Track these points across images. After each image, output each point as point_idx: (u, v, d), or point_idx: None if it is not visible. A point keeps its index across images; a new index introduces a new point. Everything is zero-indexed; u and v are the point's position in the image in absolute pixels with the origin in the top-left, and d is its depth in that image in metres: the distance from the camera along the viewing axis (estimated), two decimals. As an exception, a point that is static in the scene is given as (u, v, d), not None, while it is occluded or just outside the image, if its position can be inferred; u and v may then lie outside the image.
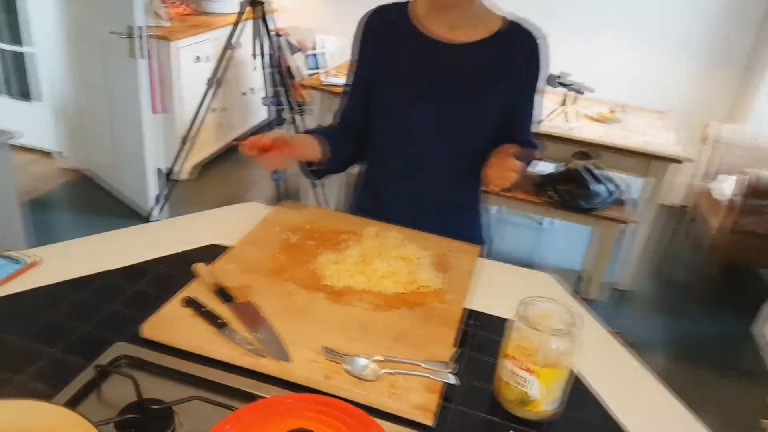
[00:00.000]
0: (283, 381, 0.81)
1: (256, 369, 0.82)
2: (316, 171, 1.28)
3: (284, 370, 0.82)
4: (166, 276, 1.00)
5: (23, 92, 3.52)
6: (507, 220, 3.68)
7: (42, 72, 3.32)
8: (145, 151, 2.82)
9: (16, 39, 3.38)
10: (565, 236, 3.60)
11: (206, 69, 2.77)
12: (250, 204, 1.26)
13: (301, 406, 0.73)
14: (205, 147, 3.74)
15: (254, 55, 2.75)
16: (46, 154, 3.54)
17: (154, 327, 0.86)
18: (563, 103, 2.88)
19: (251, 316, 0.90)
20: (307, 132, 1.27)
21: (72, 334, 0.86)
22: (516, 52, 1.23)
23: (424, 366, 0.86)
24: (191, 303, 0.90)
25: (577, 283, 3.11)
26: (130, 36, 2.63)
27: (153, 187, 2.90)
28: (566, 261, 3.33)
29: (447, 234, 1.22)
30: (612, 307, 2.97)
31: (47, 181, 3.31)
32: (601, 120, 3.05)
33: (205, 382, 0.80)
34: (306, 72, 3.82)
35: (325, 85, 2.96)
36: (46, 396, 0.73)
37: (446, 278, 1.09)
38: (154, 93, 2.95)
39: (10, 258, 1.00)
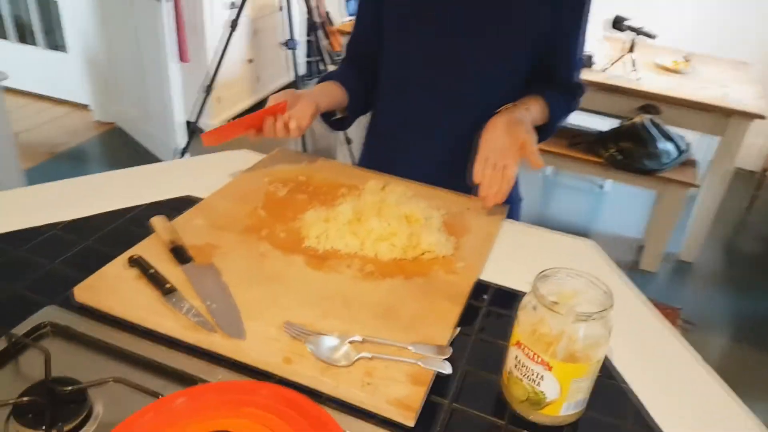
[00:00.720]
0: (236, 363, 0.66)
1: (202, 346, 0.67)
2: (337, 121, 1.14)
3: (236, 348, 0.66)
4: (123, 231, 0.86)
5: (56, 43, 3.47)
6: (563, 183, 3.39)
7: (72, 21, 3.24)
8: (171, 101, 2.72)
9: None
10: (628, 201, 3.28)
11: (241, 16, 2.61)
12: (240, 152, 1.09)
13: (240, 398, 0.57)
14: (238, 100, 3.61)
15: (279, -5, 2.56)
16: (83, 106, 3.50)
17: (89, 290, 0.72)
18: (631, 50, 2.54)
19: (207, 281, 0.74)
20: (321, 80, 1.11)
21: (-3, 295, 0.73)
22: None
23: (412, 350, 0.68)
24: (137, 263, 0.75)
25: (637, 254, 2.83)
26: (155, -23, 2.51)
27: (181, 141, 2.81)
28: (628, 228, 3.03)
29: (472, 192, 1.02)
30: (673, 281, 2.69)
31: (79, 134, 3.27)
32: (673, 70, 2.70)
33: (140, 360, 0.65)
34: (346, 18, 3.59)
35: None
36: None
37: (460, 243, 0.90)
38: (182, 40, 2.82)
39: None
